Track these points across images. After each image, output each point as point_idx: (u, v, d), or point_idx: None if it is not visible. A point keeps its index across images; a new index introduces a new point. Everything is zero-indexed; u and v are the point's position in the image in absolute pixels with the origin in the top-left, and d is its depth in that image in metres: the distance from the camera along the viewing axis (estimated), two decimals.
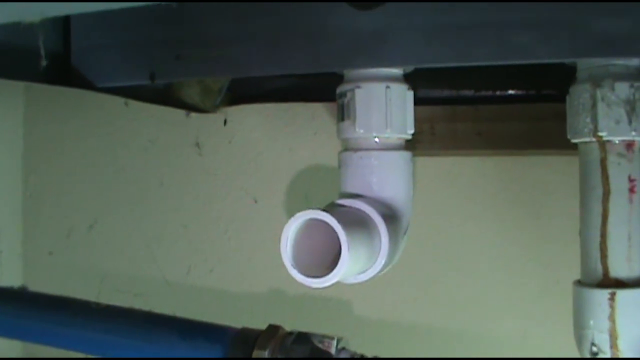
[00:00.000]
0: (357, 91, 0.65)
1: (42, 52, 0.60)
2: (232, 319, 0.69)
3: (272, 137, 0.95)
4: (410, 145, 0.69)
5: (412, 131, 0.68)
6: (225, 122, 0.98)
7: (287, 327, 0.66)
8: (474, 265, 0.86)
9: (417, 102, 0.69)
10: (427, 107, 0.82)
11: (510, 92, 0.82)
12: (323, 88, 0.83)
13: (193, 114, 0.98)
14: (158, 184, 1.03)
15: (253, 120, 0.96)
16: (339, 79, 0.69)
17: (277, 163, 0.96)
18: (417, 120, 0.69)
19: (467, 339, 0.86)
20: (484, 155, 0.84)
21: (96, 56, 0.74)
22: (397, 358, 0.66)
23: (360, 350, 0.64)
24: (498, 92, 0.83)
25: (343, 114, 0.66)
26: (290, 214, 0.57)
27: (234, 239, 0.99)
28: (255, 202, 0.97)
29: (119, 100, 1.03)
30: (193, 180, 1.01)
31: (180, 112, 0.99)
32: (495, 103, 0.82)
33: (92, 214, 1.08)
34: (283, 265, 0.57)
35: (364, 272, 0.63)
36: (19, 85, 1.13)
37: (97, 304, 0.74)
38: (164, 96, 0.90)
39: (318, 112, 0.92)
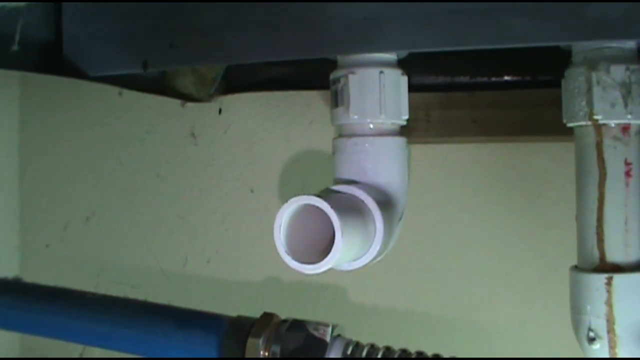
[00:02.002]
0: (350, 77, 0.64)
1: (17, 37, 0.59)
2: (229, 309, 0.69)
3: (267, 127, 0.95)
4: (405, 131, 0.69)
5: (406, 117, 0.67)
6: (220, 111, 0.97)
7: (285, 316, 0.66)
8: (471, 253, 0.86)
9: (412, 89, 0.69)
10: (422, 94, 0.81)
11: (506, 78, 0.82)
12: (319, 76, 0.83)
13: (188, 104, 0.98)
14: (154, 176, 1.03)
15: (248, 109, 0.96)
16: (334, 66, 0.68)
17: (273, 152, 0.95)
18: (412, 108, 0.69)
19: (464, 327, 0.86)
20: (479, 142, 0.84)
21: (88, 45, 0.73)
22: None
23: (356, 337, 0.64)
24: (493, 79, 0.82)
25: (337, 100, 0.66)
26: None
27: (230, 229, 0.99)
28: (252, 192, 0.97)
29: (114, 92, 1.03)
30: (189, 171, 1.01)
31: (176, 103, 0.98)
32: (490, 89, 0.82)
33: (88, 206, 1.08)
34: (281, 257, 0.57)
35: (358, 258, 0.62)
36: (15, 79, 1.13)
37: (93, 294, 0.74)
38: (159, 86, 0.90)
39: (314, 101, 0.92)
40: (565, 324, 0.64)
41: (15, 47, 0.60)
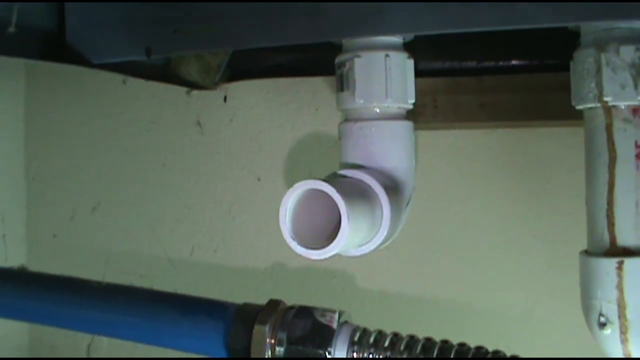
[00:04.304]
0: (356, 60, 0.64)
1: (14, 19, 0.59)
2: (237, 298, 0.69)
3: (273, 114, 0.95)
4: (412, 117, 0.68)
5: (412, 100, 0.67)
6: (225, 99, 0.97)
7: (292, 303, 0.65)
8: (479, 239, 0.85)
9: (419, 74, 0.68)
10: (429, 79, 0.80)
11: (514, 62, 0.81)
12: (324, 62, 0.82)
13: (194, 93, 0.98)
14: (160, 165, 1.03)
15: (254, 96, 0.96)
16: (339, 51, 0.67)
17: (279, 140, 0.95)
18: (419, 93, 0.68)
19: (473, 313, 0.85)
20: (487, 128, 0.83)
21: (91, 32, 0.72)
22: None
23: (364, 324, 0.63)
24: (501, 63, 0.81)
25: (342, 84, 0.65)
26: None
27: (237, 218, 0.98)
28: (259, 180, 0.96)
29: (119, 82, 1.02)
30: (195, 160, 1.00)
31: (181, 91, 0.98)
32: (498, 74, 0.81)
33: (95, 196, 1.08)
34: (287, 242, 0.57)
35: (365, 244, 0.62)
36: (20, 69, 1.13)
37: (98, 283, 0.73)
38: (163, 73, 0.89)
39: (320, 87, 0.91)
40: (574, 310, 0.63)
41: (12, 29, 0.59)
